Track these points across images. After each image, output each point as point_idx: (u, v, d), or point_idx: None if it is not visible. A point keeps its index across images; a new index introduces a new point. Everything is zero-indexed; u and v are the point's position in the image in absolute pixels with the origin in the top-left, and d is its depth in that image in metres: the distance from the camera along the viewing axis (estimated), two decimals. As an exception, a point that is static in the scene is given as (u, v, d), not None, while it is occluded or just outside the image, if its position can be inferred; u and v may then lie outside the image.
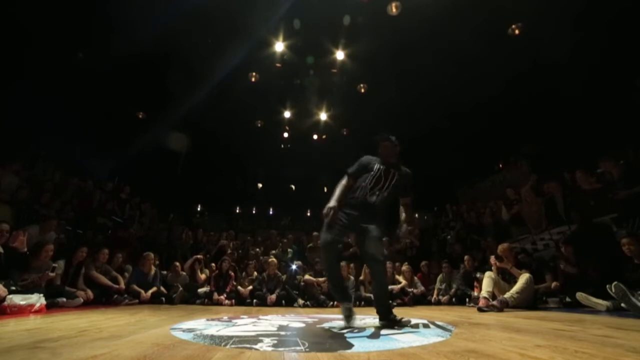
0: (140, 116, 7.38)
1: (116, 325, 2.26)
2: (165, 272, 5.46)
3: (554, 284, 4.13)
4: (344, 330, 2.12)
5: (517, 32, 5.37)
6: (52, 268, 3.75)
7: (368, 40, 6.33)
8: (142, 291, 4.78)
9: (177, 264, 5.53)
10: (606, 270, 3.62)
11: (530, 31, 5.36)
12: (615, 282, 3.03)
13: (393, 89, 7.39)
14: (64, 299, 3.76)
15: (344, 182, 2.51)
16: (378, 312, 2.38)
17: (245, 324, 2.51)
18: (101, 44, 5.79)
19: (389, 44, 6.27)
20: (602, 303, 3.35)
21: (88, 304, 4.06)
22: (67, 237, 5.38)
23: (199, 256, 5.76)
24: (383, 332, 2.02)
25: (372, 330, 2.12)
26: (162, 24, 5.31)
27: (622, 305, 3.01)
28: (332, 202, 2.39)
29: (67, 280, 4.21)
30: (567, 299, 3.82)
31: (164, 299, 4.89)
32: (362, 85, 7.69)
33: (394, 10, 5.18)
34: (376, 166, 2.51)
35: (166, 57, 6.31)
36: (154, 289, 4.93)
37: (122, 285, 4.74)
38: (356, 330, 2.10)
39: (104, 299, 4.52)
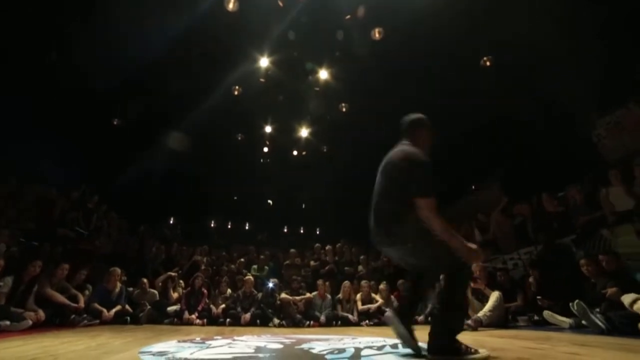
0: (116, 123, 7.07)
1: (74, 350, 2.03)
2: (131, 289, 5.11)
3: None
4: (324, 352, 2.07)
5: (488, 64, 5.83)
6: None
7: (351, 62, 6.60)
8: (104, 310, 4.41)
9: (145, 280, 5.20)
10: (568, 289, 3.84)
11: (501, 68, 5.86)
12: (577, 301, 3.22)
13: (373, 111, 7.67)
14: (8, 322, 3.29)
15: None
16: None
17: (220, 345, 2.39)
18: (79, 55, 5.61)
19: (373, 68, 6.55)
20: (566, 321, 3.54)
21: (38, 327, 3.57)
22: (20, 250, 4.89)
23: (172, 273, 5.45)
24: (364, 352, 2.00)
25: (353, 351, 2.09)
26: (145, 42, 5.25)
27: (583, 322, 3.19)
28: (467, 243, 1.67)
29: (15, 299, 3.70)
30: (536, 317, 3.99)
31: (128, 318, 4.53)
32: (343, 104, 7.91)
33: (377, 35, 5.45)
34: None
35: (146, 69, 6.13)
36: (118, 307, 4.56)
37: (82, 304, 4.30)
38: (336, 352, 2.06)
39: (58, 319, 4.02)
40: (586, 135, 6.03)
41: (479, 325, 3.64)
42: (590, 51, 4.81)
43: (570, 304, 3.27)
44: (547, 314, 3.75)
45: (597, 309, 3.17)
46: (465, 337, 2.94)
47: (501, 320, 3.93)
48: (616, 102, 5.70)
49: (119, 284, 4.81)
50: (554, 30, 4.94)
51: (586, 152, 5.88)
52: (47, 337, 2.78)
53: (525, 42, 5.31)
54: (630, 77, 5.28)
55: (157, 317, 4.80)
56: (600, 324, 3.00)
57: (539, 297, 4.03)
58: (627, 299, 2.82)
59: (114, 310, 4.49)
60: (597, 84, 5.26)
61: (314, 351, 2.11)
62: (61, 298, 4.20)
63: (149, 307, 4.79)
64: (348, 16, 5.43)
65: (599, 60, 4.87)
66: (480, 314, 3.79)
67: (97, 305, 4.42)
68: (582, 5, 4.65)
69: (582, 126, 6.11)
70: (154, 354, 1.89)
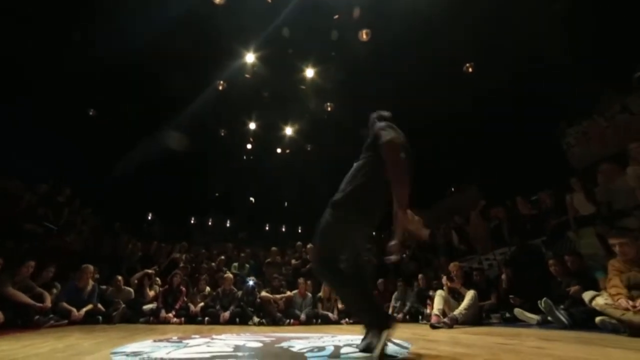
0: (92, 113, 6.72)
1: (37, 354, 1.85)
2: (105, 287, 4.90)
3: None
4: (304, 350, 2.08)
5: (470, 70, 6.04)
6: None
7: (333, 62, 6.65)
8: (74, 309, 4.18)
9: (120, 277, 5.01)
10: (538, 288, 4.06)
11: (480, 77, 6.09)
12: (545, 299, 3.41)
13: (356, 110, 7.75)
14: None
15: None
16: None
17: (198, 344, 2.34)
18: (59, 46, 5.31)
19: (351, 67, 6.61)
20: (534, 317, 3.74)
21: (-4, 330, 3.25)
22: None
23: (149, 271, 5.27)
24: (343, 350, 2.02)
25: (332, 349, 2.11)
26: (130, 34, 5.04)
27: (549, 318, 3.40)
28: None
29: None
30: (507, 315, 4.19)
31: (100, 317, 4.34)
32: (328, 104, 7.93)
33: (364, 37, 5.50)
34: None
35: (128, 61, 5.86)
36: (90, 306, 4.35)
37: (48, 304, 3.99)
38: (316, 350, 2.07)
39: (20, 321, 3.71)
40: (558, 143, 6.40)
41: (454, 322, 3.77)
42: (564, 63, 5.09)
43: (539, 301, 3.46)
44: (517, 311, 3.95)
45: (562, 306, 3.38)
46: (441, 335, 3.05)
47: (476, 318, 4.09)
48: (583, 113, 6.08)
49: (91, 282, 4.59)
50: (532, 41, 5.19)
51: (558, 159, 6.25)
52: (6, 341, 2.52)
53: (505, 50, 5.53)
54: (596, 90, 5.65)
55: (132, 316, 4.63)
56: (563, 319, 3.21)
57: (511, 296, 4.23)
58: (587, 296, 3.02)
59: (84, 309, 4.27)
60: (568, 94, 5.59)
61: (293, 349, 2.11)
62: (24, 297, 3.87)
63: (123, 305, 4.61)
64: (336, 15, 5.45)
65: (571, 72, 5.17)
66: (456, 312, 3.92)
67: (65, 305, 4.18)
68: (560, 17, 4.90)
69: (555, 134, 6.48)
70: (127, 355, 1.82)
